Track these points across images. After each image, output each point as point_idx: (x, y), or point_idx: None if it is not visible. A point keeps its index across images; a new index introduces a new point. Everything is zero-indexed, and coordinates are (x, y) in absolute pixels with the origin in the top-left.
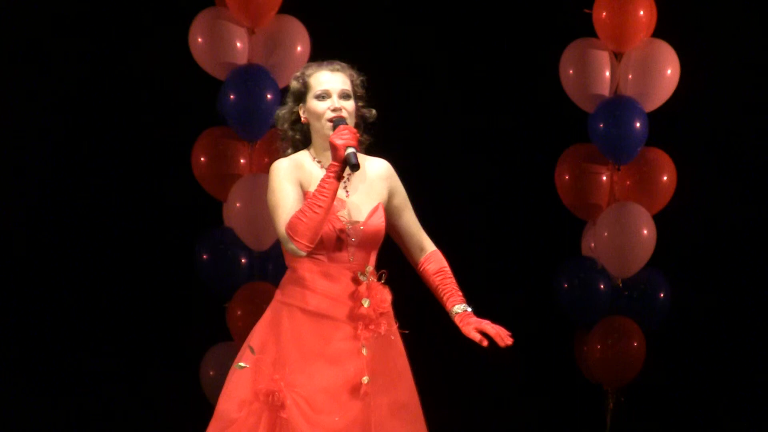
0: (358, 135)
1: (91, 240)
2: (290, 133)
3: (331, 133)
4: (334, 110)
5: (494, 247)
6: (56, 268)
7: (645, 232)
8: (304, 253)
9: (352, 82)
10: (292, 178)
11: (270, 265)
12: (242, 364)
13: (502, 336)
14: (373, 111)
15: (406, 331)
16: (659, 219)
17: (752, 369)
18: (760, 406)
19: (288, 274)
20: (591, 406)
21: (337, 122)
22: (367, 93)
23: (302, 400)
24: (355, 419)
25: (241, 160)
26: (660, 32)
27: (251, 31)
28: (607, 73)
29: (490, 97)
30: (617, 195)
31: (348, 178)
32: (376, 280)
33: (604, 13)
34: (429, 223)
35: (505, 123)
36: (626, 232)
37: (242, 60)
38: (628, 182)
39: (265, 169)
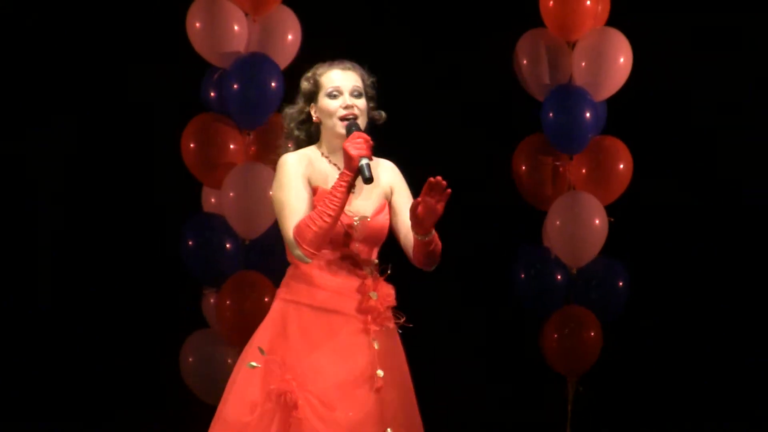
0: (371, 143)
1: (71, 225)
2: (296, 132)
3: (342, 131)
4: (345, 107)
5: (459, 239)
6: (34, 254)
7: (597, 221)
8: (309, 260)
9: (363, 81)
10: (300, 175)
11: (259, 254)
12: (254, 363)
13: (434, 180)
14: (383, 114)
15: (411, 325)
16: (616, 207)
17: (709, 357)
18: (718, 393)
19: (291, 270)
20: (553, 395)
21: (350, 127)
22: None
23: (315, 398)
24: (369, 413)
25: (231, 146)
26: (615, 21)
27: (251, 19)
28: (558, 63)
29: (451, 87)
30: (573, 184)
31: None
32: (378, 274)
33: (551, 3)
34: None
35: (465, 113)
36: (578, 222)
37: (240, 47)
38: (583, 171)
39: (261, 158)
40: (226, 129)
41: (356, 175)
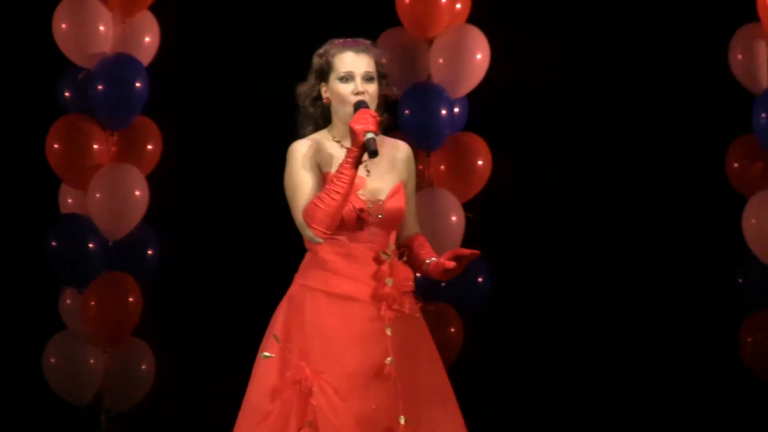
0: (378, 119)
1: None
2: (311, 110)
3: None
4: (357, 93)
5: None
6: None
7: (454, 218)
8: (321, 240)
9: (376, 62)
10: (310, 161)
11: (123, 255)
12: (267, 353)
13: (469, 252)
14: (395, 90)
15: (421, 303)
16: (475, 203)
17: (570, 350)
18: (581, 388)
19: (308, 257)
20: None
21: (357, 106)
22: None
23: (329, 387)
24: (381, 402)
25: (95, 146)
26: (476, 18)
27: (117, 21)
28: (416, 61)
29: None
30: (433, 181)
31: (367, 160)
32: (397, 258)
33: (407, 0)
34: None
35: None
36: (436, 218)
37: (106, 48)
38: (441, 167)
39: (124, 158)
40: (91, 129)
41: (363, 150)
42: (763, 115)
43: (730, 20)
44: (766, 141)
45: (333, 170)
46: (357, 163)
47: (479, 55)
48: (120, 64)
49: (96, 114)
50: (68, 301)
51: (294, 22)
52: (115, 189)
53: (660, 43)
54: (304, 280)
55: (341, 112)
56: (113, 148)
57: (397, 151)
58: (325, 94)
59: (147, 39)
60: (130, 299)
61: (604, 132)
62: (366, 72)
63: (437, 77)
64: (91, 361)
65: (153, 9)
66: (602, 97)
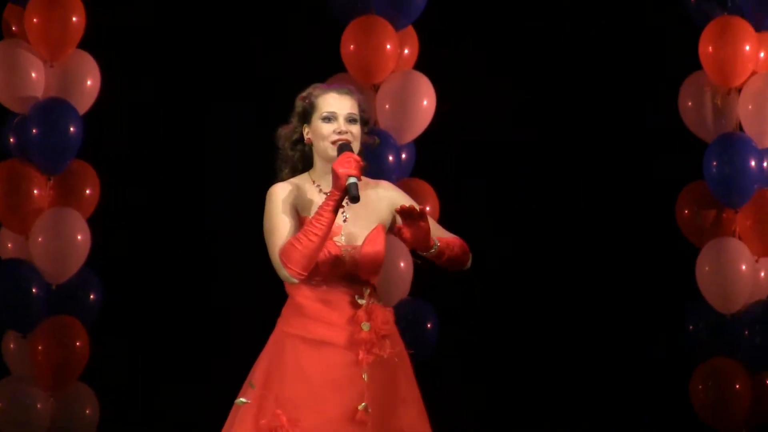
0: (362, 163)
1: None
2: (290, 152)
3: (333, 154)
4: (339, 133)
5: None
6: None
7: (402, 264)
8: (296, 280)
9: (359, 106)
10: (289, 204)
11: (66, 298)
12: (243, 399)
13: (399, 207)
14: (377, 139)
15: (411, 351)
16: None
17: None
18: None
19: (288, 302)
20: None
21: (341, 148)
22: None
23: None
24: None
25: (35, 191)
26: (424, 64)
27: (49, 65)
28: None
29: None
30: None
31: (347, 203)
32: (375, 302)
33: (352, 47)
34: None
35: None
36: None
37: (38, 93)
38: None
39: (62, 203)
40: (30, 174)
41: (344, 194)
42: (714, 162)
43: (679, 68)
44: (717, 189)
45: (311, 215)
46: (338, 206)
47: (425, 101)
48: (52, 108)
49: (32, 159)
50: (12, 346)
51: (236, 67)
52: (57, 233)
53: (611, 91)
54: (284, 326)
55: (322, 152)
56: (51, 192)
57: (377, 190)
58: (307, 135)
59: (89, 82)
60: (78, 344)
61: (553, 179)
62: (349, 113)
63: (383, 123)
64: (38, 405)
65: (93, 50)
66: (548, 144)
